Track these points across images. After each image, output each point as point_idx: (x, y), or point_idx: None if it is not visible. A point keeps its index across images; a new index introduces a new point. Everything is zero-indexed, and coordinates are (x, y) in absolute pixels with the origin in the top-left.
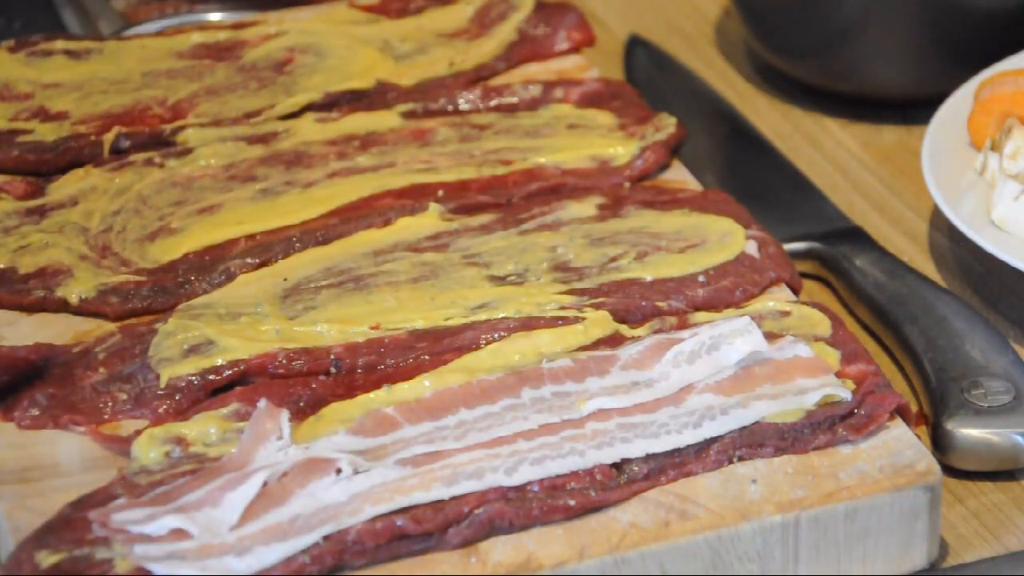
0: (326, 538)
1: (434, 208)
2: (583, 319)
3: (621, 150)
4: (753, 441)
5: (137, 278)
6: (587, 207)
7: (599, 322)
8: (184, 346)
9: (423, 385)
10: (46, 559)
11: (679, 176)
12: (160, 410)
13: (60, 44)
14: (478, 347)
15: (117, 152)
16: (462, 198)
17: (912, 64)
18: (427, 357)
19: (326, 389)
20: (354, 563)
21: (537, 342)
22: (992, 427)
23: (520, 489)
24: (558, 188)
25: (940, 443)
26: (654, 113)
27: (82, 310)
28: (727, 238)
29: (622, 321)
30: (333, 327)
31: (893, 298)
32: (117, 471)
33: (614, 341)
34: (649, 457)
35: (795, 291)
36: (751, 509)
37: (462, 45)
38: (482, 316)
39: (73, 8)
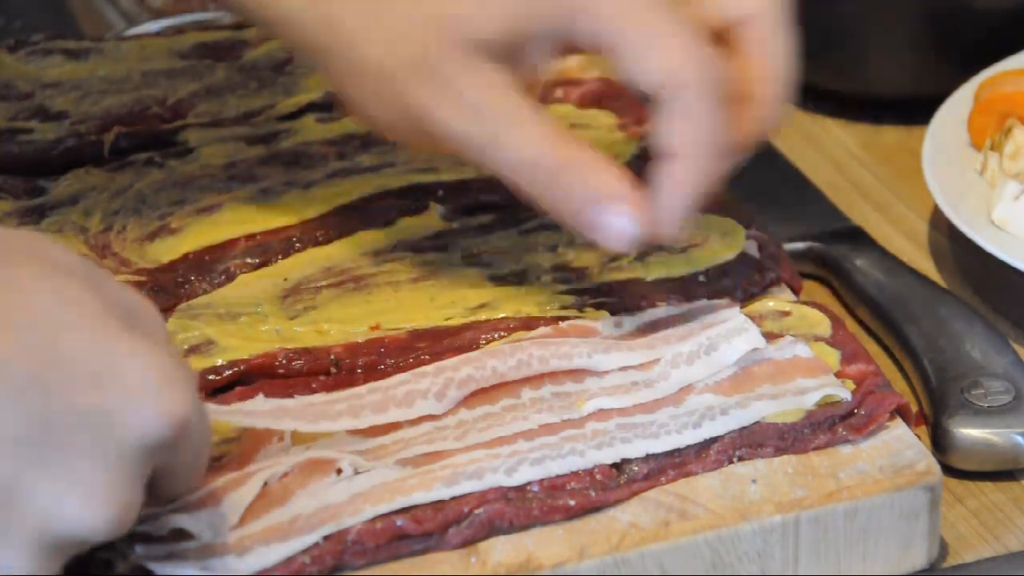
0: (326, 538)
1: (434, 208)
2: (583, 319)
3: (621, 150)
4: (753, 441)
5: (137, 278)
6: None
7: None
8: (184, 346)
9: None
10: None
11: None
12: None
13: (60, 44)
14: (478, 347)
15: (117, 152)
16: (462, 198)
17: (912, 64)
18: (427, 357)
19: (326, 389)
20: (354, 563)
21: None
22: (992, 427)
23: (520, 489)
24: None
25: (940, 443)
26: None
27: None
28: (727, 238)
29: None
30: (333, 327)
31: (893, 298)
32: None
33: None
34: (649, 457)
35: (795, 291)
36: (751, 509)
37: None
38: (482, 316)
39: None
